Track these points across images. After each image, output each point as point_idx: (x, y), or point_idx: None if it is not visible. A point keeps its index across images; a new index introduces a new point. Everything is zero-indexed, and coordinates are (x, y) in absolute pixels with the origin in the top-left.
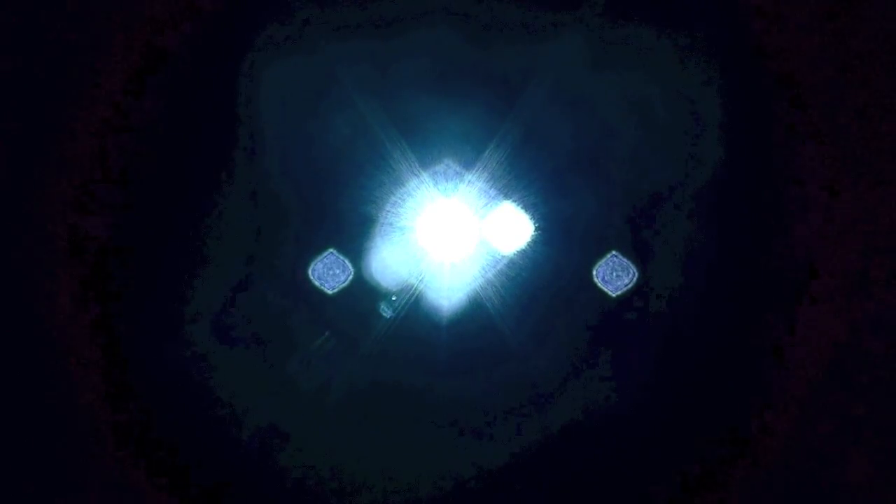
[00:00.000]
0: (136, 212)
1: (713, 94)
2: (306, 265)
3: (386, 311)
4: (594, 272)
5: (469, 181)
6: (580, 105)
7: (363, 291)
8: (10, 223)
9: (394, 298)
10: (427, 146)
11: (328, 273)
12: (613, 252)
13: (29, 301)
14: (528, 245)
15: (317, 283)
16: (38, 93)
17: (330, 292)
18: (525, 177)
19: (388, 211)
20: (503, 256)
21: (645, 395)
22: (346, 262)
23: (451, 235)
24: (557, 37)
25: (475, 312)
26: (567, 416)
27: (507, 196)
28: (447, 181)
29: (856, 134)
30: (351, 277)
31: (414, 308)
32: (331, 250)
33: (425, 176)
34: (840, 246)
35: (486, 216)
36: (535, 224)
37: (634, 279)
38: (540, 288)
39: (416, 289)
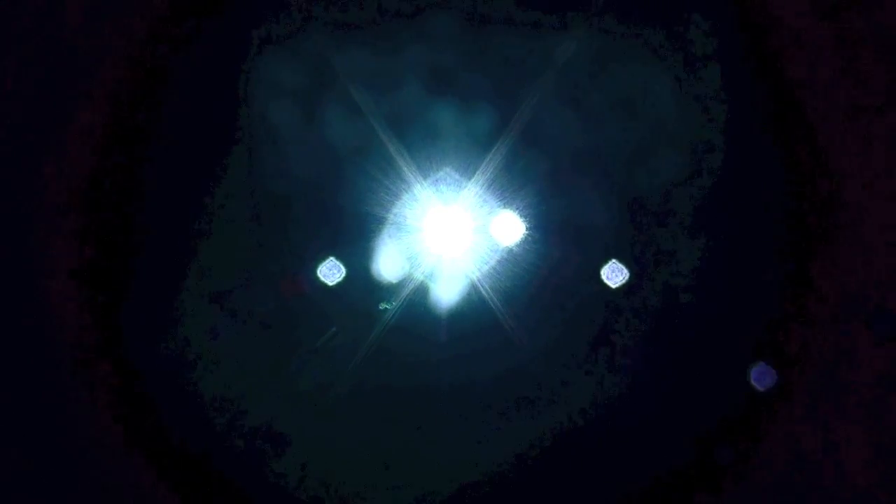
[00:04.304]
0: (136, 212)
1: (711, 96)
2: (307, 264)
3: (385, 308)
4: (601, 271)
5: (470, 182)
6: (580, 106)
7: (362, 290)
8: (11, 224)
9: (389, 302)
10: (427, 146)
11: (328, 272)
12: (613, 259)
13: (30, 300)
14: (528, 245)
15: (317, 281)
16: (39, 92)
17: (331, 284)
18: (524, 177)
19: (388, 209)
20: (502, 256)
21: (645, 391)
22: (345, 262)
23: (450, 234)
24: (560, 36)
25: (474, 310)
26: (566, 413)
27: (506, 197)
28: (448, 183)
29: (855, 135)
30: (349, 276)
31: (414, 307)
32: (331, 257)
33: (426, 175)
34: (839, 246)
35: (485, 216)
36: (534, 225)
37: (628, 277)
38: (539, 287)
39: (416, 287)
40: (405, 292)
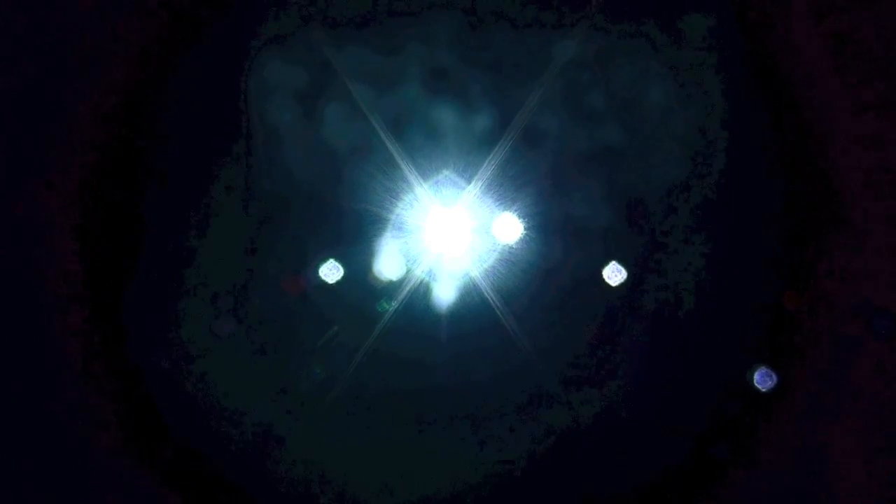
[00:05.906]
0: (136, 211)
1: (711, 96)
2: (307, 264)
3: (385, 308)
4: (602, 272)
5: (470, 182)
6: (579, 106)
7: (362, 290)
8: (10, 223)
9: (389, 302)
10: (428, 146)
11: (328, 272)
12: (613, 260)
13: (30, 301)
14: (528, 245)
15: (317, 281)
16: (39, 91)
17: (331, 283)
18: (524, 178)
19: (388, 209)
20: (502, 256)
21: (645, 391)
22: (345, 262)
23: (450, 234)
24: (560, 36)
25: (474, 310)
26: (566, 413)
27: (506, 197)
28: (448, 182)
29: (855, 135)
30: (349, 276)
31: (414, 307)
32: (330, 258)
33: (426, 175)
34: (839, 245)
35: (485, 216)
36: (534, 225)
37: (625, 277)
38: (539, 287)
39: (416, 287)
40: (405, 292)
